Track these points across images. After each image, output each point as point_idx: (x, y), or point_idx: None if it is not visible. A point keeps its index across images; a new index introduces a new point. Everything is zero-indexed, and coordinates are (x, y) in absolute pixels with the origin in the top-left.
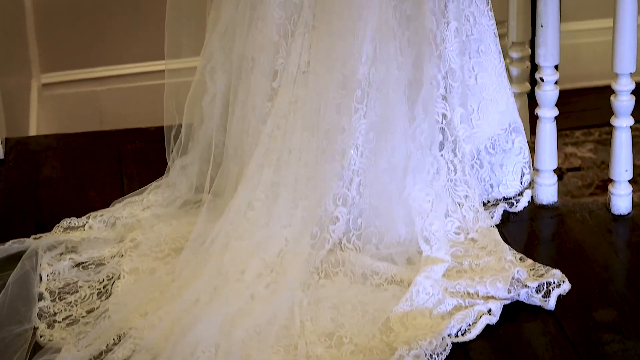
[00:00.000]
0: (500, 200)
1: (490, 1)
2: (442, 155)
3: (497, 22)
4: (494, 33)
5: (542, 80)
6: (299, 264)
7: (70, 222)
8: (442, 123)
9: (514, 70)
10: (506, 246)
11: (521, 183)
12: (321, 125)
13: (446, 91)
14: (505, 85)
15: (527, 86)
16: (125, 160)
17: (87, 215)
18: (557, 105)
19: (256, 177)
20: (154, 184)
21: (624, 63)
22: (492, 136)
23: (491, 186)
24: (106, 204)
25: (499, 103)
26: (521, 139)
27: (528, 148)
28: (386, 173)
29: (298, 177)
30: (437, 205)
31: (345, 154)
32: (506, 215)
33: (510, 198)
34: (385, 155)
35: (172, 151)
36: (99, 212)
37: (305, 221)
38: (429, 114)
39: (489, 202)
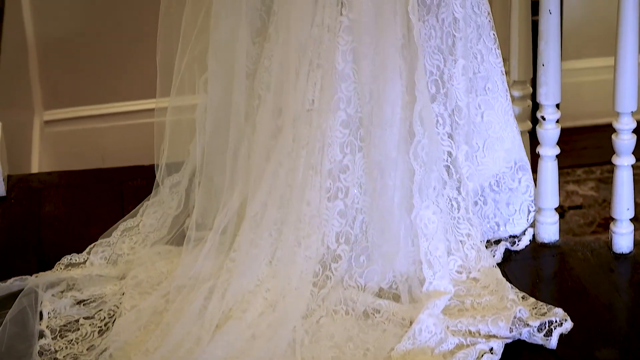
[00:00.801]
0: (503, 238)
1: (497, 39)
2: (444, 188)
3: None
4: (501, 71)
5: (544, 118)
6: (301, 302)
7: (71, 259)
8: (447, 161)
9: (516, 109)
10: (508, 285)
11: (527, 221)
12: (324, 163)
13: (452, 129)
14: (511, 123)
15: (529, 124)
16: (127, 197)
17: (88, 249)
18: (558, 143)
19: (259, 215)
20: (145, 203)
21: (625, 102)
22: (497, 174)
23: (497, 224)
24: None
25: (505, 141)
26: (527, 177)
27: (534, 186)
28: (389, 211)
29: (301, 215)
30: (440, 226)
31: (348, 192)
32: (508, 253)
33: (515, 236)
34: (389, 193)
35: (160, 165)
36: (99, 247)
37: (307, 259)
38: (427, 128)
39: (490, 240)
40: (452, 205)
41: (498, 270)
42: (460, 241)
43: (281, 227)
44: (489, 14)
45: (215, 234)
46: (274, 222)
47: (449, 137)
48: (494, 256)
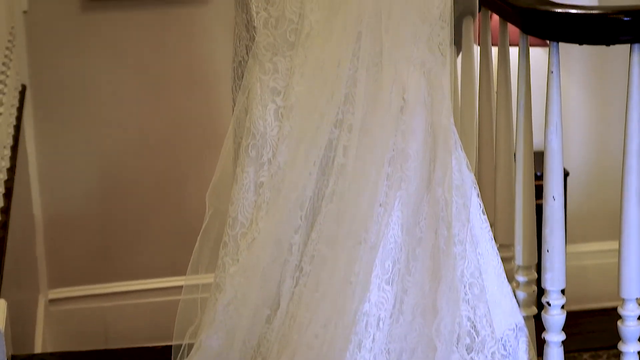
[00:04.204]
0: None
1: (482, 204)
2: (472, 357)
3: (503, 246)
4: (490, 236)
5: (549, 304)
6: None
7: None
8: (467, 325)
9: (521, 294)
10: None
11: None
12: (363, 336)
13: (465, 294)
14: (506, 285)
15: (534, 309)
16: None
17: None
18: (564, 326)
19: None
20: None
21: (631, 288)
22: (502, 337)
23: None
24: None
25: (503, 304)
26: (525, 340)
27: (534, 349)
28: None
29: None
30: None
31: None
32: None
33: None
34: (405, 357)
35: (183, 346)
36: None
37: None
38: (451, 306)
39: None
40: None
41: None
42: None
43: None
44: (472, 181)
45: None
46: None
47: (465, 302)
48: None
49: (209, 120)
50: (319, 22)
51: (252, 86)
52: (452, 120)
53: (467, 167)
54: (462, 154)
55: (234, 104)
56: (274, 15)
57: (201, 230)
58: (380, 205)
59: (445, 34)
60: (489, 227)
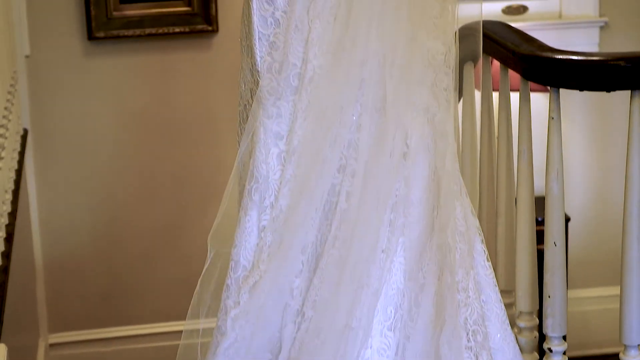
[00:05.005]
0: None
1: (486, 251)
2: None
3: (504, 291)
4: (494, 283)
5: (550, 350)
6: None
7: None
8: None
9: (522, 340)
10: None
11: None
12: None
13: (467, 341)
14: (509, 332)
15: (536, 356)
16: None
17: None
18: None
19: None
20: None
21: (632, 334)
22: None
23: None
24: None
25: (506, 351)
26: None
27: None
28: None
29: None
30: None
31: None
32: None
33: None
34: None
35: None
36: None
37: None
38: (454, 354)
39: None
40: None
41: None
42: None
43: None
44: (477, 227)
45: None
46: None
47: (468, 350)
48: None
49: (211, 165)
50: (322, 67)
51: (256, 130)
52: (457, 166)
53: (472, 213)
54: (467, 200)
55: (239, 147)
56: (278, 60)
57: (202, 273)
58: (382, 251)
59: (450, 79)
60: (492, 274)
